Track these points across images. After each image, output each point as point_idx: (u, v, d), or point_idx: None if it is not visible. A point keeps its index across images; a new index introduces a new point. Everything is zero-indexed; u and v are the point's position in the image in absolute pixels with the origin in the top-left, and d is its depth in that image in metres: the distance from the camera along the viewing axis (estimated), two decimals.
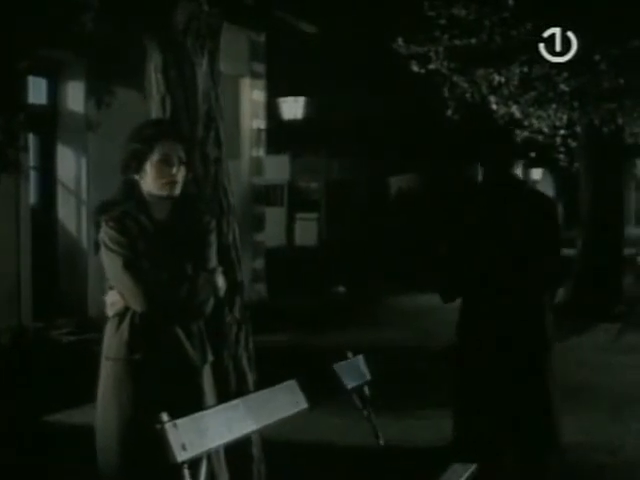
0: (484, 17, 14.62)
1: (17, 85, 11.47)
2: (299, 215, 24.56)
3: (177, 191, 4.26)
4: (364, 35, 19.12)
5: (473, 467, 4.84)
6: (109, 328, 4.22)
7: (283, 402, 4.29)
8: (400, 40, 15.41)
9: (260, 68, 17.10)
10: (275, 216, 22.33)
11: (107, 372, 4.20)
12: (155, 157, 4.23)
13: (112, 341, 4.18)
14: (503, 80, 15.22)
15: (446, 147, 24.08)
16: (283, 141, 19.93)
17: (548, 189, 50.35)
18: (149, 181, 4.24)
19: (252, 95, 16.97)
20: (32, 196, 12.30)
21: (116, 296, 4.18)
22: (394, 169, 25.89)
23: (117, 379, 4.15)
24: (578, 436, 7.90)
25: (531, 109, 15.65)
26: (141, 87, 12.84)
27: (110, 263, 4.13)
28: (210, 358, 4.35)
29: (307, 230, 24.50)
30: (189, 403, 3.95)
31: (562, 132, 16.99)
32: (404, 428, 7.70)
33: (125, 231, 4.11)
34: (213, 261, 4.30)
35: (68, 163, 12.84)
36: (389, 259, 21.12)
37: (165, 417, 3.58)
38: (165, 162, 4.23)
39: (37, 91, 12.57)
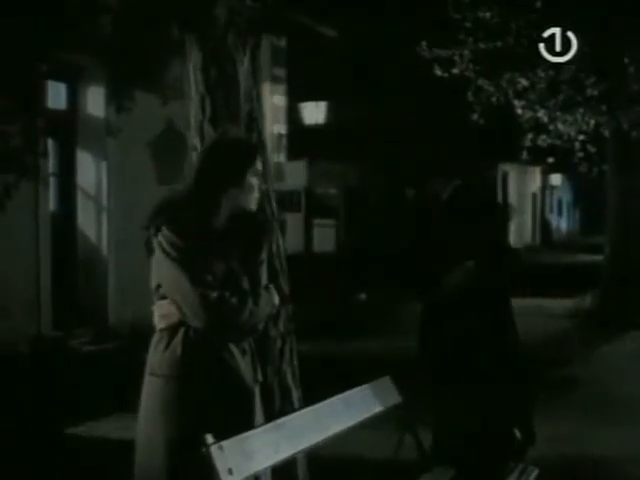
0: (510, 19, 14.41)
1: (36, 90, 11.33)
2: (317, 221, 24.30)
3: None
4: (385, 39, 18.89)
5: (536, 471, 4.70)
6: (157, 342, 3.92)
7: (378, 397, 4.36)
8: (424, 43, 15.21)
9: (281, 72, 16.90)
10: (292, 222, 22.07)
11: (155, 390, 3.90)
12: (254, 172, 4.00)
13: (163, 357, 3.87)
14: (529, 84, 15.01)
15: (466, 153, 23.90)
16: (302, 146, 19.71)
17: (567, 195, 50.24)
18: (243, 196, 3.98)
19: (273, 100, 16.77)
20: (52, 202, 12.07)
21: (170, 308, 3.86)
22: (412, 175, 25.68)
23: (167, 398, 3.86)
24: (615, 450, 7.65)
25: (558, 113, 15.42)
26: (161, 91, 12.82)
27: (168, 271, 3.83)
28: (260, 378, 4.08)
29: (325, 236, 24.27)
30: (241, 424, 3.70)
31: (581, 137, 16.76)
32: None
33: (188, 238, 3.81)
34: (265, 276, 4.04)
35: (88, 169, 12.62)
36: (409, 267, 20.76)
37: (210, 439, 3.37)
38: (259, 176, 4.05)
39: (56, 96, 12.35)
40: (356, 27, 17.86)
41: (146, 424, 3.93)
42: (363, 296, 19.05)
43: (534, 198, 42.11)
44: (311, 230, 23.87)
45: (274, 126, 16.79)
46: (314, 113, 18.69)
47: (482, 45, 14.87)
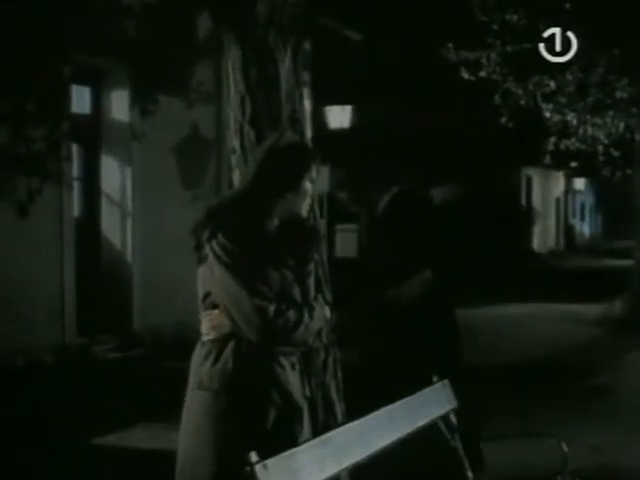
0: (538, 21, 14.21)
1: (60, 94, 11.24)
2: (339, 226, 24.15)
3: None
4: (411, 42, 18.70)
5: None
6: (205, 355, 3.72)
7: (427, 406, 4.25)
8: (450, 46, 15.01)
9: (305, 76, 16.69)
10: None
11: (202, 404, 3.70)
12: (310, 177, 3.83)
13: (212, 371, 3.67)
14: (557, 86, 14.81)
15: (492, 158, 23.72)
16: (326, 151, 19.50)
17: (589, 199, 49.99)
18: (297, 201, 3.82)
19: None
20: (76, 207, 11.94)
21: (221, 318, 3.66)
22: (437, 180, 25.48)
23: (216, 413, 3.67)
24: None
25: (588, 116, 15.21)
26: (185, 95, 12.72)
27: (222, 280, 3.61)
28: (308, 393, 3.90)
29: (347, 241, 24.11)
30: (290, 442, 3.52)
31: (606, 141, 16.55)
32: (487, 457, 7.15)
33: (243, 245, 3.62)
34: (313, 287, 3.86)
35: (112, 174, 12.49)
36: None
37: (254, 457, 3.19)
38: (313, 181, 3.87)
39: (80, 100, 12.22)
40: (381, 30, 17.68)
41: (191, 437, 3.76)
42: None
43: (557, 202, 41.92)
44: (333, 235, 23.75)
45: None
46: (339, 117, 18.46)
47: (509, 48, 14.67)
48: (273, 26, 4.45)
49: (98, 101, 12.54)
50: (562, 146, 16.89)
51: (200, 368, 3.72)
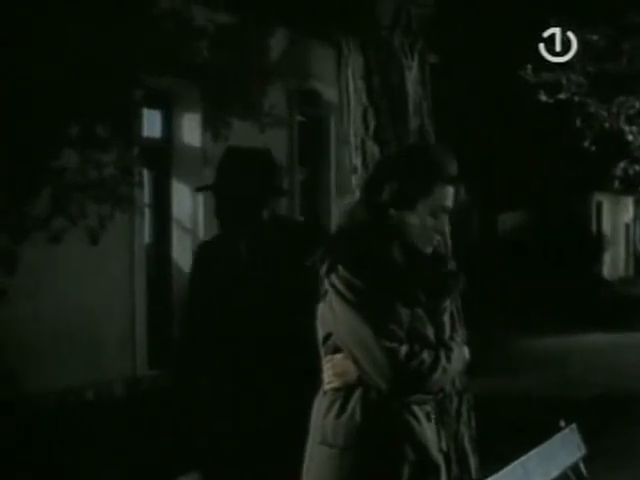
0: (621, 41, 13.73)
1: (131, 117, 10.96)
2: None
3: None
4: (488, 64, 18.22)
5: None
6: (326, 405, 3.25)
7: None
8: (529, 68, 14.53)
9: None
10: None
11: (327, 461, 3.22)
12: (433, 199, 3.29)
13: (337, 424, 3.20)
14: None
15: (563, 182, 23.24)
16: None
17: None
18: (414, 226, 3.29)
19: None
20: (146, 234, 11.61)
21: (346, 363, 3.19)
22: (506, 205, 24.99)
23: (344, 472, 3.18)
24: None
25: None
26: (257, 118, 12.38)
27: (345, 319, 3.14)
28: (444, 447, 3.39)
29: None
30: None
31: None
32: None
33: (369, 278, 3.14)
34: (449, 325, 3.35)
35: (184, 200, 12.15)
36: (508, 299, 20.18)
37: None
38: (441, 209, 3.31)
39: (151, 124, 11.94)
40: (458, 52, 17.23)
41: None
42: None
43: (627, 228, 41.23)
44: None
45: None
46: None
47: (591, 68, 14.19)
48: (399, 28, 3.91)
49: (169, 125, 12.25)
50: (631, 171, 16.44)
51: (323, 421, 3.25)
